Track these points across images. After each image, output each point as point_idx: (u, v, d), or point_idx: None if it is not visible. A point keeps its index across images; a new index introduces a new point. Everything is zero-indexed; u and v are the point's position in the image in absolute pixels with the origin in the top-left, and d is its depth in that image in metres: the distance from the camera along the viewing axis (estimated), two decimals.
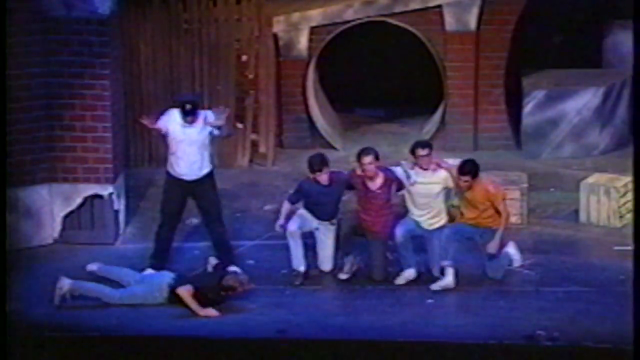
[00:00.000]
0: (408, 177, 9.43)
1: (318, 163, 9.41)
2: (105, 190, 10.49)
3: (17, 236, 10.20)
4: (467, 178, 9.37)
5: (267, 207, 9.90)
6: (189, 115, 9.51)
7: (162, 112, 9.87)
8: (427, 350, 8.60)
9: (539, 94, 12.60)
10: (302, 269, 9.59)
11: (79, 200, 10.51)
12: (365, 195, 9.48)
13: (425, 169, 9.45)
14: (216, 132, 9.56)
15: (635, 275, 7.88)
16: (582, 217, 10.86)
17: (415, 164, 9.50)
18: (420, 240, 9.65)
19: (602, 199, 10.79)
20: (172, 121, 9.62)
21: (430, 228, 9.52)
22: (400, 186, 9.51)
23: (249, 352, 8.62)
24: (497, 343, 8.61)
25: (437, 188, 9.48)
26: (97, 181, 10.44)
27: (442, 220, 9.50)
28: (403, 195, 9.60)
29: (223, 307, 9.29)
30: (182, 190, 9.64)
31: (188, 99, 9.84)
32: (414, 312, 9.22)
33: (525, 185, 10.89)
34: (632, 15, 13.28)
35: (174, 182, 9.68)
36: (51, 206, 10.46)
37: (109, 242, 10.52)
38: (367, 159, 9.38)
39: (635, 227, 7.97)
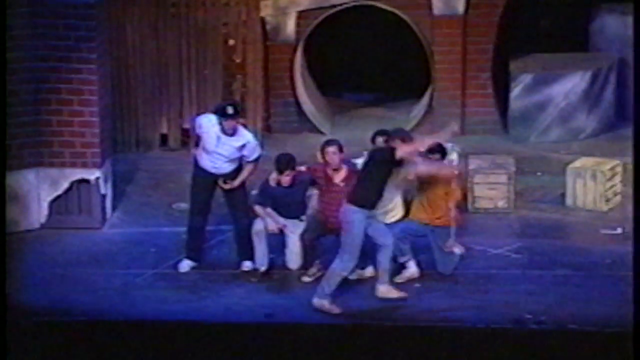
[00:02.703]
0: None
1: (284, 165, 9.37)
2: (92, 174, 10.47)
3: (4, 221, 10.16)
4: (437, 156, 9.34)
5: (254, 192, 9.89)
6: (230, 119, 9.39)
7: (198, 114, 9.93)
8: (415, 334, 8.62)
9: (526, 78, 12.60)
10: (263, 268, 9.56)
11: (65, 185, 10.48)
12: (328, 190, 9.41)
13: None
14: (247, 157, 9.56)
15: (635, 273, 7.86)
16: (569, 201, 10.89)
17: None
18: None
19: (588, 183, 10.81)
20: (208, 128, 9.50)
21: (386, 222, 9.45)
22: None
23: (237, 336, 8.63)
24: (485, 327, 8.64)
25: (396, 179, 9.44)
26: (84, 165, 10.42)
27: (398, 214, 9.46)
28: None
29: (208, 291, 9.32)
30: (209, 181, 9.61)
31: (231, 102, 9.86)
32: None
33: (513, 169, 10.91)
34: (622, 1, 13.34)
35: (202, 173, 9.65)
36: (38, 191, 10.44)
37: (96, 227, 10.50)
38: (331, 148, 9.35)
39: (635, 227, 7.94)
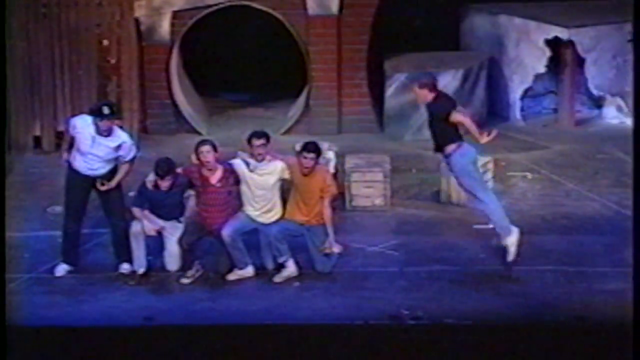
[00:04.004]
0: (247, 164, 9.45)
1: (164, 170, 9.32)
2: None
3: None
4: (312, 155, 9.42)
5: (132, 194, 9.81)
6: (107, 119, 9.27)
7: (73, 116, 9.75)
8: (294, 332, 8.68)
9: (401, 77, 12.81)
10: (142, 270, 9.51)
11: None
12: (205, 191, 9.40)
13: (260, 160, 9.47)
14: (123, 157, 9.47)
15: (635, 273, 7.97)
16: (443, 197, 11.10)
17: (252, 154, 9.51)
18: (252, 235, 9.56)
19: None
20: (82, 128, 9.37)
21: (266, 222, 9.51)
22: (239, 179, 9.49)
23: (115, 340, 8.55)
24: (363, 323, 8.74)
25: (273, 179, 9.46)
26: None
27: (277, 214, 9.53)
28: (239, 190, 9.56)
29: (86, 295, 9.20)
30: (84, 184, 9.48)
31: (107, 103, 9.74)
32: (281, 295, 9.28)
33: (388, 167, 11.07)
34: (490, 1, 13.64)
35: (76, 175, 9.50)
36: None
37: None
38: (205, 147, 9.32)
39: (635, 227, 8.06)
